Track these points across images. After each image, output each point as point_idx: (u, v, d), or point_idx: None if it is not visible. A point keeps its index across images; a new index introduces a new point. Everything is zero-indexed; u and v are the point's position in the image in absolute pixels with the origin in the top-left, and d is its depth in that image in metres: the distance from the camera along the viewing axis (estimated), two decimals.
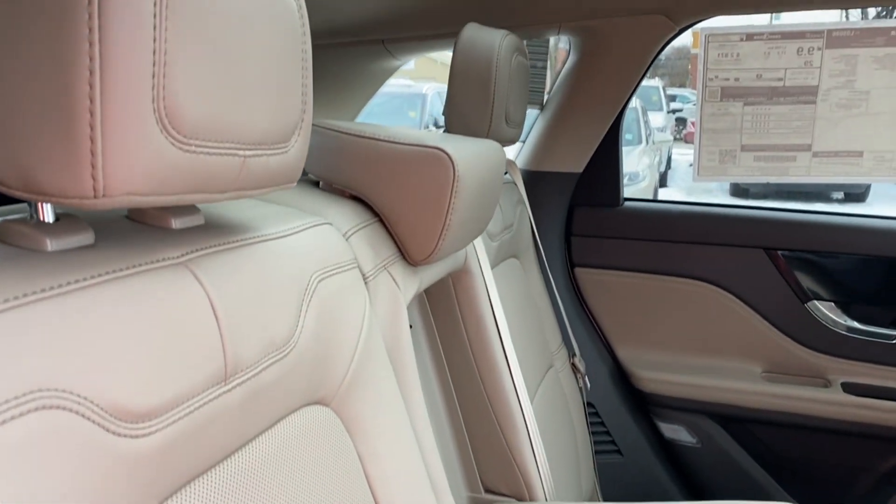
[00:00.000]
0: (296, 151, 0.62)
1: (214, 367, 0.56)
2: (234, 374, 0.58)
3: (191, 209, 0.64)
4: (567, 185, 1.99)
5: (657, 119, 10.80)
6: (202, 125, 0.49)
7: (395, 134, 0.99)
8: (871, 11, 9.55)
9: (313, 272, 0.74)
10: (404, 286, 0.99)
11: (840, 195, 9.61)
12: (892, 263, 1.80)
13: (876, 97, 1.76)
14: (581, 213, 2.01)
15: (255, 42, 0.53)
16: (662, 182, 10.40)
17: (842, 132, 1.81)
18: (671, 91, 13.97)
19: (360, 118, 2.39)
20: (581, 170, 1.98)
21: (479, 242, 1.34)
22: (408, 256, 1.01)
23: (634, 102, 9.03)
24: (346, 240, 0.90)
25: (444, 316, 1.32)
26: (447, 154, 0.96)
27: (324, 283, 0.75)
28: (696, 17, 1.74)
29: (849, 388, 1.81)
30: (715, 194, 9.98)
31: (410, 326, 1.25)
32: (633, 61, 1.83)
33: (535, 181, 1.98)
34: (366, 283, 0.90)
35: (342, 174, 1.00)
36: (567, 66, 1.94)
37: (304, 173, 1.10)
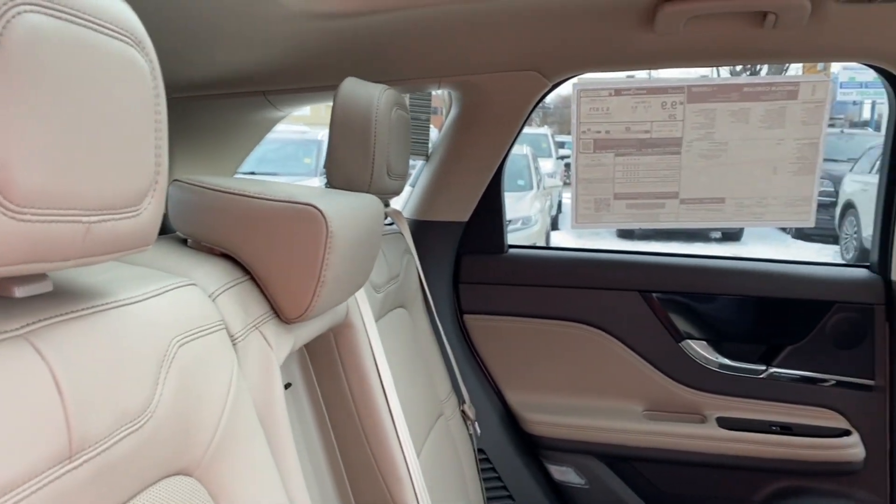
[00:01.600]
0: (149, 214, 0.60)
1: (58, 443, 0.53)
2: (81, 450, 0.55)
3: (37, 276, 0.60)
4: (453, 233, 2.02)
5: (547, 165, 11.20)
6: (37, 193, 0.47)
7: (265, 190, 0.98)
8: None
9: (173, 337, 0.71)
10: (277, 345, 0.96)
11: (718, 234, 10.21)
12: (757, 302, 1.92)
13: (733, 148, 1.90)
14: (468, 261, 2.05)
15: (99, 105, 0.52)
16: (554, 225, 10.75)
17: (705, 180, 1.93)
18: (560, 138, 14.57)
19: (251, 165, 2.35)
20: (467, 218, 2.02)
21: (361, 295, 1.34)
22: (281, 314, 0.99)
23: (525, 150, 9.35)
24: (213, 300, 0.87)
25: (326, 372, 1.30)
26: (319, 211, 0.95)
27: (185, 348, 0.73)
28: (568, 73, 1.83)
29: (723, 422, 1.90)
30: (603, 236, 10.39)
31: (289, 385, 1.22)
32: (510, 114, 1.89)
33: (423, 230, 2.00)
34: (234, 344, 0.88)
35: (211, 231, 0.98)
36: (449, 118, 1.99)
37: (172, 231, 1.07)
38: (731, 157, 1.90)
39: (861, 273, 1.90)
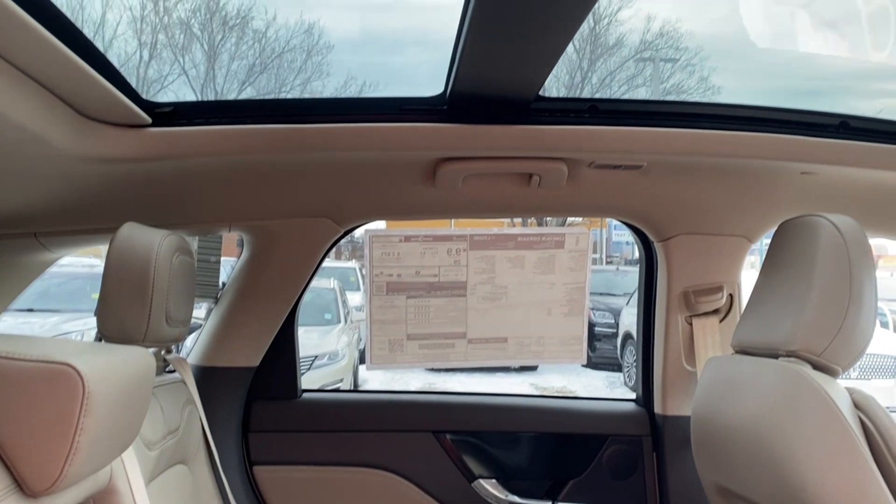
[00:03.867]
0: None
1: None
2: None
3: None
4: (243, 379, 1.95)
5: (355, 298, 11.28)
6: None
7: (15, 348, 0.90)
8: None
9: None
10: None
11: (516, 366, 10.69)
12: (541, 438, 2.01)
13: (513, 291, 2.04)
14: (258, 408, 1.97)
15: None
16: (362, 359, 10.69)
17: (489, 321, 2.05)
18: None
19: (29, 301, 2.15)
20: (257, 363, 1.96)
21: (129, 455, 1.23)
22: (25, 487, 0.89)
23: (333, 283, 9.38)
24: None
25: None
26: (76, 370, 0.89)
27: None
28: (359, 220, 1.91)
29: None
30: (412, 367, 10.48)
31: None
32: (303, 259, 1.92)
33: (209, 377, 1.91)
34: None
35: None
36: (241, 260, 1.97)
37: None
38: (511, 299, 2.05)
39: (629, 406, 2.07)
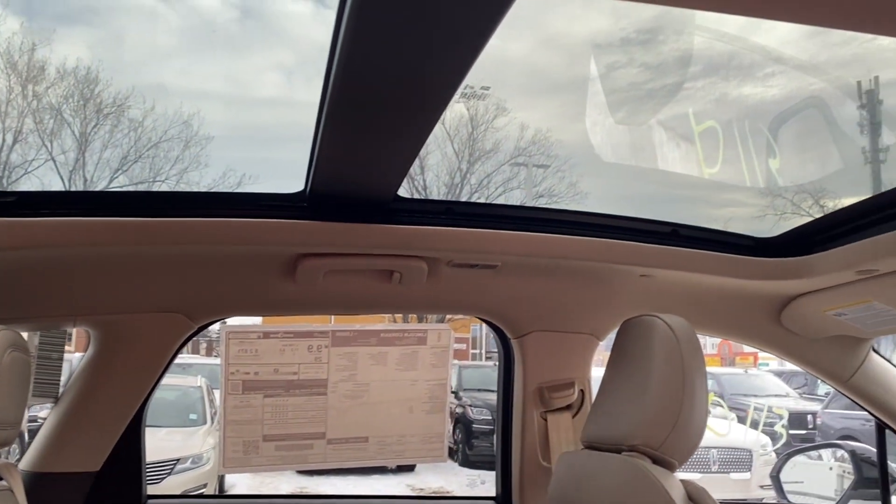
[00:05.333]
0: None
1: None
2: None
3: None
4: (81, 486, 1.81)
5: None
6: None
7: None
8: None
9: None
10: None
11: (393, 466, 10.44)
12: None
13: (375, 388, 2.03)
14: None
15: None
16: None
17: (350, 420, 2.02)
18: None
19: None
20: (98, 468, 1.83)
21: None
22: None
23: (200, 381, 8.92)
24: None
25: None
26: None
27: None
28: (214, 316, 1.86)
29: None
30: (283, 470, 10.00)
31: None
32: (154, 355, 1.84)
33: (42, 485, 1.76)
34: None
35: None
36: (86, 357, 1.86)
37: None
38: (373, 397, 2.03)
39: None
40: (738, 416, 8.80)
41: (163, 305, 1.78)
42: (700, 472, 7.09)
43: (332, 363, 2.00)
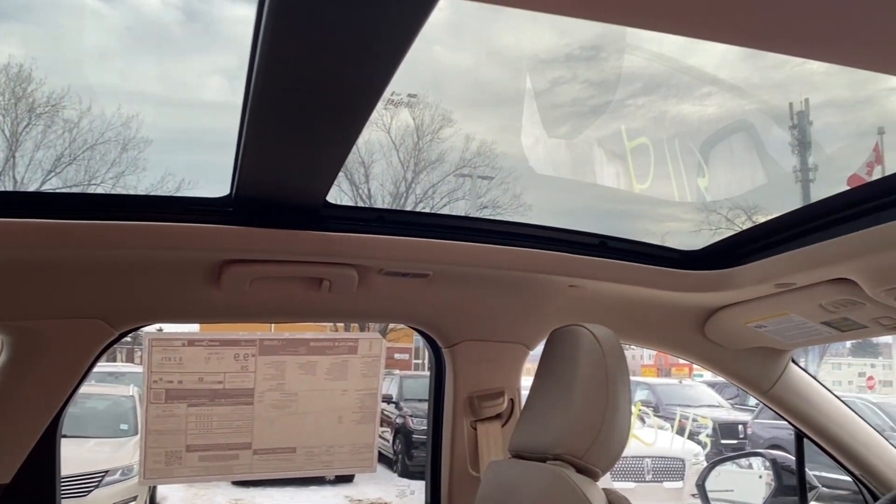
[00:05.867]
0: None
1: None
2: None
3: None
4: None
5: None
6: None
7: None
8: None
9: None
10: None
11: (332, 477, 10.31)
12: None
13: (303, 398, 2.00)
14: None
15: None
16: None
17: (278, 430, 1.98)
18: None
19: None
20: (8, 480, 1.75)
21: None
22: None
23: (131, 390, 8.66)
24: None
25: None
26: None
27: None
28: (136, 323, 1.81)
29: None
30: (217, 483, 9.77)
31: None
32: (71, 363, 1.77)
33: None
34: None
35: None
36: None
37: None
38: (301, 406, 2.00)
39: None
40: (671, 426, 9.02)
41: (81, 311, 1.72)
42: (635, 482, 7.22)
43: (260, 372, 1.96)
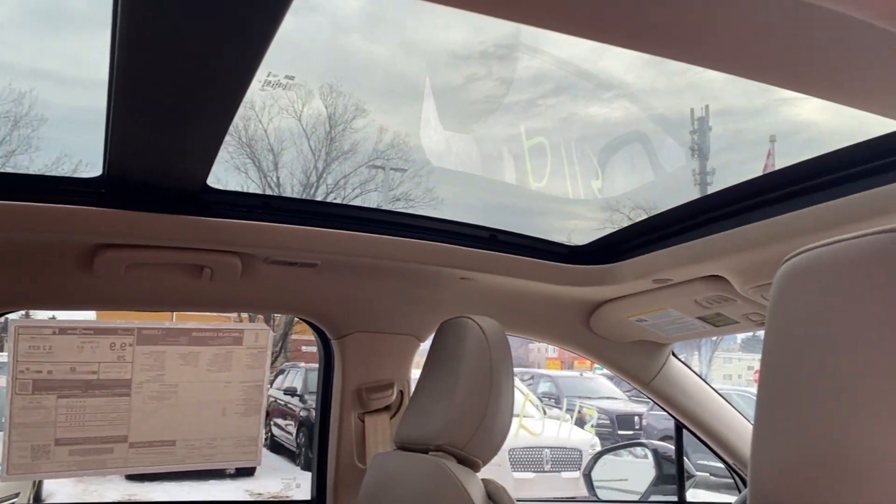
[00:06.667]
0: None
1: None
2: None
3: None
4: None
5: None
6: None
7: None
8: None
9: None
10: None
11: (232, 471, 10.06)
12: None
13: (184, 390, 1.93)
14: None
15: None
16: None
17: (156, 423, 1.91)
18: None
19: None
20: None
21: None
22: None
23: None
24: None
25: None
26: None
27: None
28: (1, 309, 1.70)
29: None
30: (111, 477, 9.36)
31: None
32: None
33: None
34: None
35: None
36: None
37: None
38: (181, 399, 1.93)
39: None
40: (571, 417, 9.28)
41: None
42: (534, 472, 7.38)
43: (137, 363, 1.88)
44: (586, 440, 7.96)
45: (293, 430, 10.92)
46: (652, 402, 2.38)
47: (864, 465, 0.67)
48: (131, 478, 9.55)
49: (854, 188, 1.25)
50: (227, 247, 1.64)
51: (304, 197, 12.89)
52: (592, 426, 9.48)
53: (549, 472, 7.41)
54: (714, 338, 14.66)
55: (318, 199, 13.27)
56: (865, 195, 1.23)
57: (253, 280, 1.78)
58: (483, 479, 1.47)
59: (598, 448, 7.86)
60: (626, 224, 1.88)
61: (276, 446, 11.32)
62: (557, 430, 8.09)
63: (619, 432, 9.77)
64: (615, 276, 1.83)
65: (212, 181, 1.57)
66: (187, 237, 1.57)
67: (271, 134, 14.18)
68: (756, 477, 0.81)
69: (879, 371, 0.67)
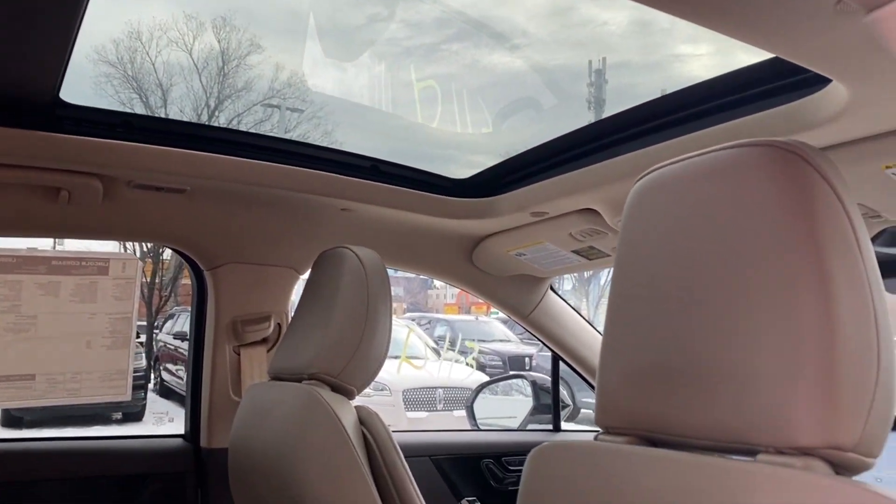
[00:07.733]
0: None
1: None
2: None
3: None
4: None
5: None
6: None
7: None
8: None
9: None
10: None
11: (119, 415, 9.76)
12: (82, 484, 1.80)
13: (43, 321, 1.82)
14: None
15: None
16: None
17: (13, 356, 1.80)
18: None
19: None
20: None
21: None
22: None
23: None
24: None
25: None
26: None
27: None
28: None
29: None
30: None
31: None
32: None
33: None
34: None
35: None
36: None
37: None
38: (41, 331, 1.82)
39: (175, 443, 1.97)
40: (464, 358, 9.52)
41: None
42: (427, 411, 7.53)
43: None
44: (477, 380, 8.17)
45: (184, 374, 10.66)
46: (541, 344, 2.45)
47: (713, 374, 0.69)
48: (8, 423, 9.11)
49: (714, 121, 1.30)
50: (85, 167, 1.54)
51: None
52: (473, 359, 9.81)
53: (442, 410, 7.57)
54: (602, 282, 15.27)
55: None
56: (725, 126, 1.27)
57: (116, 205, 1.68)
58: (356, 406, 1.47)
59: None
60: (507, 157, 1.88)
61: (166, 391, 11.04)
62: (449, 371, 8.26)
63: (511, 372, 10.09)
64: (495, 209, 1.84)
65: (71, 98, 1.46)
66: (39, 155, 1.46)
67: (160, 68, 13.41)
68: (603, 381, 0.84)
69: (731, 285, 0.69)
